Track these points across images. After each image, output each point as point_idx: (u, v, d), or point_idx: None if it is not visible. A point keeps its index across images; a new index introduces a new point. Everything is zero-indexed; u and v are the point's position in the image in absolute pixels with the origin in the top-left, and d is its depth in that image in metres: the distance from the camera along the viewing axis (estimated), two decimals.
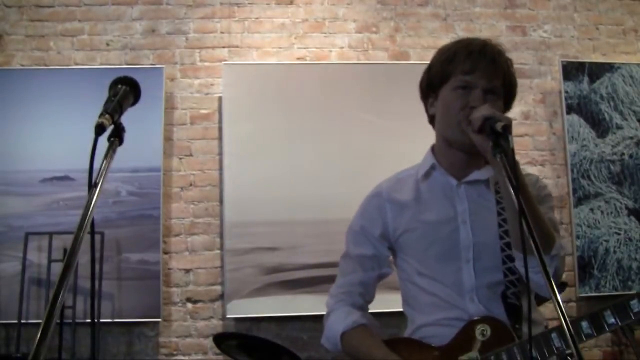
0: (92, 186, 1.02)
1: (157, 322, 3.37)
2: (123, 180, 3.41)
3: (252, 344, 2.47)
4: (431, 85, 1.56)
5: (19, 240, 3.26)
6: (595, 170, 3.71)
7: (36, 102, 3.45)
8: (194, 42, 3.68)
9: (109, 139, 1.10)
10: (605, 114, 3.77)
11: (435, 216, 1.54)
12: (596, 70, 3.80)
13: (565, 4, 3.95)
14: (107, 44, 3.63)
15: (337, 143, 3.55)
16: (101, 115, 1.07)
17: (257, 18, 3.74)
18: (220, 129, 3.57)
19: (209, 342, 3.35)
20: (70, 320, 3.10)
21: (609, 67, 3.81)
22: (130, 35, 3.65)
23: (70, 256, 0.93)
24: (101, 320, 3.21)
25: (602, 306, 1.36)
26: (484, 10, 3.89)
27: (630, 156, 3.75)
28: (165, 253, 3.45)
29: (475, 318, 1.45)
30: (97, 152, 1.03)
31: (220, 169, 3.53)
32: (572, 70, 3.78)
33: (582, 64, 3.80)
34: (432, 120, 1.60)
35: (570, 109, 3.75)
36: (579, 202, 3.67)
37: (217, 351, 2.87)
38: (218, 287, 3.46)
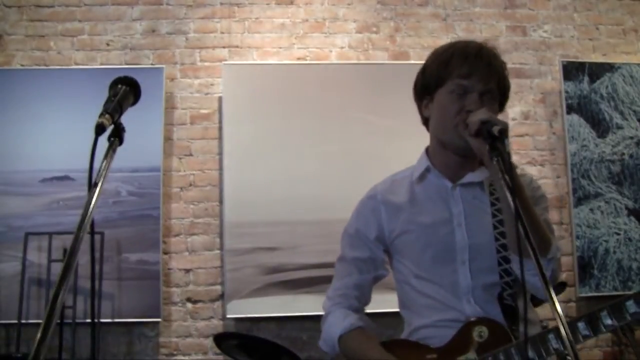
0: (92, 186, 1.02)
1: (157, 322, 3.37)
2: (123, 180, 3.41)
3: (252, 344, 2.47)
4: (426, 87, 1.55)
5: (19, 240, 3.26)
6: (595, 170, 3.71)
7: (36, 102, 3.45)
8: (194, 42, 3.68)
9: (109, 139, 1.11)
10: (606, 114, 3.77)
11: (431, 218, 1.54)
12: (596, 70, 3.80)
13: (565, 4, 3.95)
14: (107, 44, 3.63)
15: (337, 143, 3.55)
16: (101, 115, 1.08)
17: (257, 18, 3.74)
18: (220, 129, 3.57)
19: (209, 342, 3.35)
20: (71, 320, 3.10)
21: (609, 67, 3.81)
22: (130, 35, 3.65)
23: (70, 256, 0.93)
24: (101, 320, 3.21)
25: (599, 306, 1.36)
26: (484, 10, 3.89)
27: (631, 156, 3.75)
28: (165, 253, 3.45)
29: (472, 319, 1.45)
30: (97, 152, 1.03)
31: (220, 169, 3.53)
32: (572, 70, 3.78)
33: (582, 64, 3.80)
34: (425, 122, 1.60)
35: (570, 109, 3.75)
36: (579, 202, 3.67)
37: (218, 351, 2.87)
38: (218, 287, 3.46)
